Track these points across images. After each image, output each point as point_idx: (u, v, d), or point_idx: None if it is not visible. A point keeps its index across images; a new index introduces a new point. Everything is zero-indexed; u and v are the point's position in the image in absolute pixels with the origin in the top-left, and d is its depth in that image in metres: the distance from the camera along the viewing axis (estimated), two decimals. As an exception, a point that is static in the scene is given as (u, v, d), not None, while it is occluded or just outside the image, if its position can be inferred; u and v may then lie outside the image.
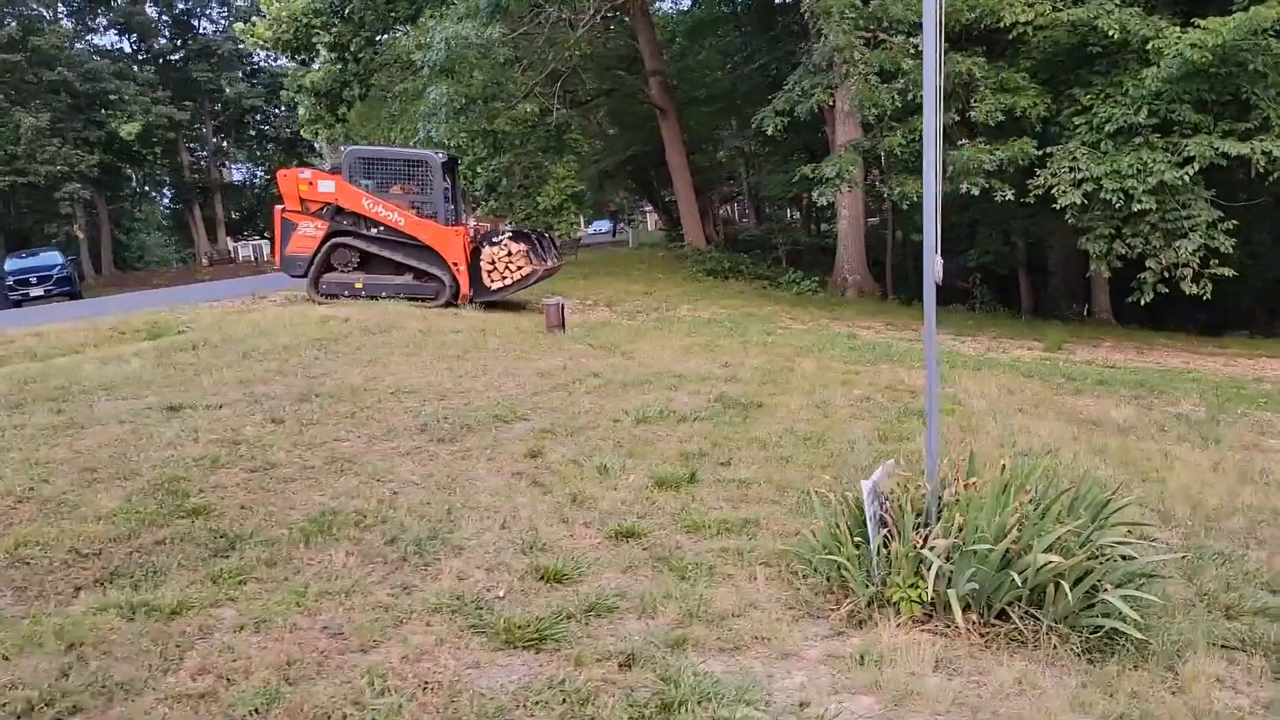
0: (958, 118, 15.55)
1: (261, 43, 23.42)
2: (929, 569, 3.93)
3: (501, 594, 4.15)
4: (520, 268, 14.97)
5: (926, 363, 4.46)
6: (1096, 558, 4.06)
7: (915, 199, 16.87)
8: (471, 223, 16.46)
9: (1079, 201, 14.63)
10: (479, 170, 21.50)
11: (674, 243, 29.71)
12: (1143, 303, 15.17)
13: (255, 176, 60.46)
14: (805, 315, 17.89)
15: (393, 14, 22.27)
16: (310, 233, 15.22)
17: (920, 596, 4.00)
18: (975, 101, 15.16)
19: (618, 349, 11.43)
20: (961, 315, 20.59)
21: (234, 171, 59.96)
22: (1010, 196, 15.32)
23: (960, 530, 4.12)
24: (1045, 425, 8.16)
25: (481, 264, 15.03)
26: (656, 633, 3.81)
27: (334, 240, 15.19)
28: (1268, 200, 16.81)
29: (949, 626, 3.88)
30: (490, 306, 15.16)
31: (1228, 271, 14.77)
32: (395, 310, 14.10)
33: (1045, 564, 3.87)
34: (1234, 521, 5.76)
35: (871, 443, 7.28)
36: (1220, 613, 4.36)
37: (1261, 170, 13.85)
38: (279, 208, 15.53)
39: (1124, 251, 15.26)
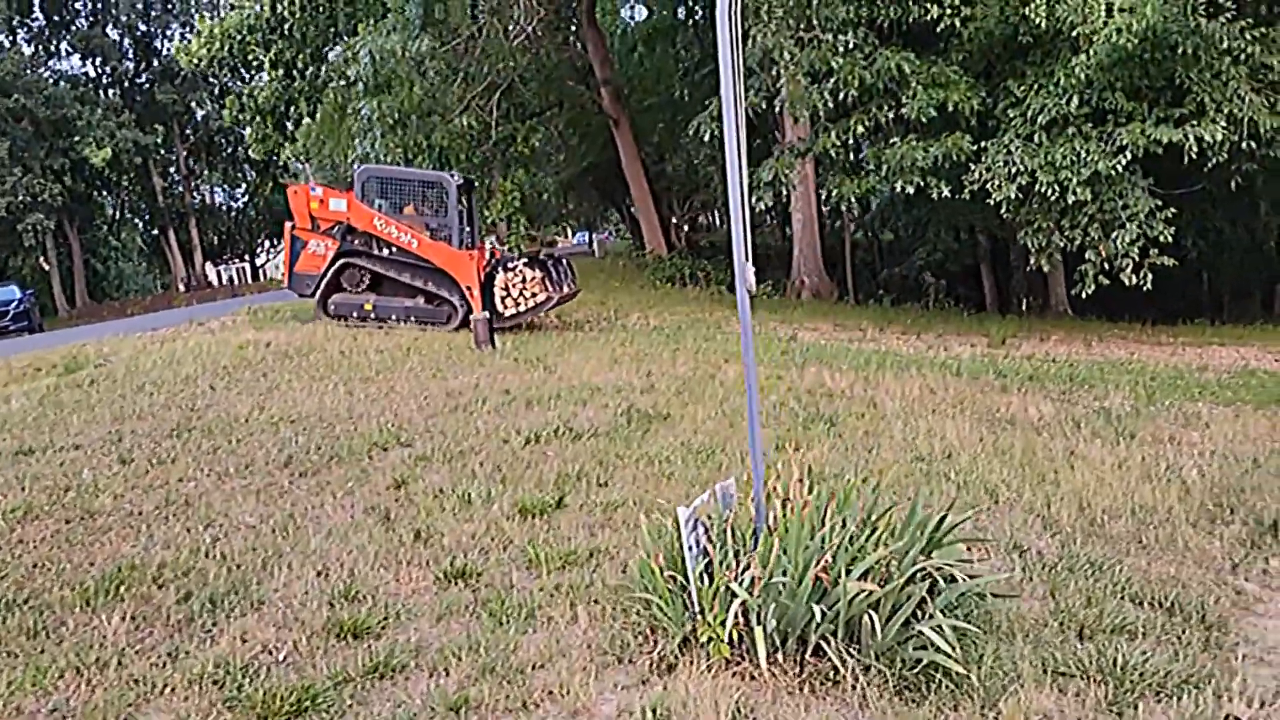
0: (891, 115, 15.25)
1: (195, 61, 22.99)
2: (733, 604, 3.63)
3: (282, 656, 3.83)
4: (535, 294, 14.56)
5: (746, 375, 4.17)
6: (920, 582, 3.76)
7: (853, 200, 16.67)
8: (488, 246, 16.10)
9: (1014, 195, 14.34)
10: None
11: (638, 251, 29.43)
12: (1084, 295, 14.91)
13: (233, 199, 59.82)
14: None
15: (332, 29, 21.93)
16: (320, 251, 14.89)
17: (731, 635, 3.70)
18: (906, 98, 14.86)
19: (542, 363, 11.12)
20: (913, 314, 20.34)
21: (210, 195, 59.19)
22: (947, 193, 15.04)
23: (779, 558, 3.82)
24: (956, 427, 7.88)
25: (495, 289, 14.58)
26: (439, 695, 3.49)
27: (344, 260, 14.86)
28: (1209, 186, 16.54)
29: (758, 668, 3.58)
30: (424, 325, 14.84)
31: (1168, 261, 14.49)
32: (324, 332, 13.82)
33: (857, 593, 3.57)
34: (1120, 524, 5.48)
35: (766, 454, 6.98)
36: (1073, 632, 4.06)
37: (1194, 157, 13.59)
38: (289, 225, 15.19)
39: (1064, 244, 14.99)
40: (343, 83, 19.69)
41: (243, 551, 4.91)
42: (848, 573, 3.67)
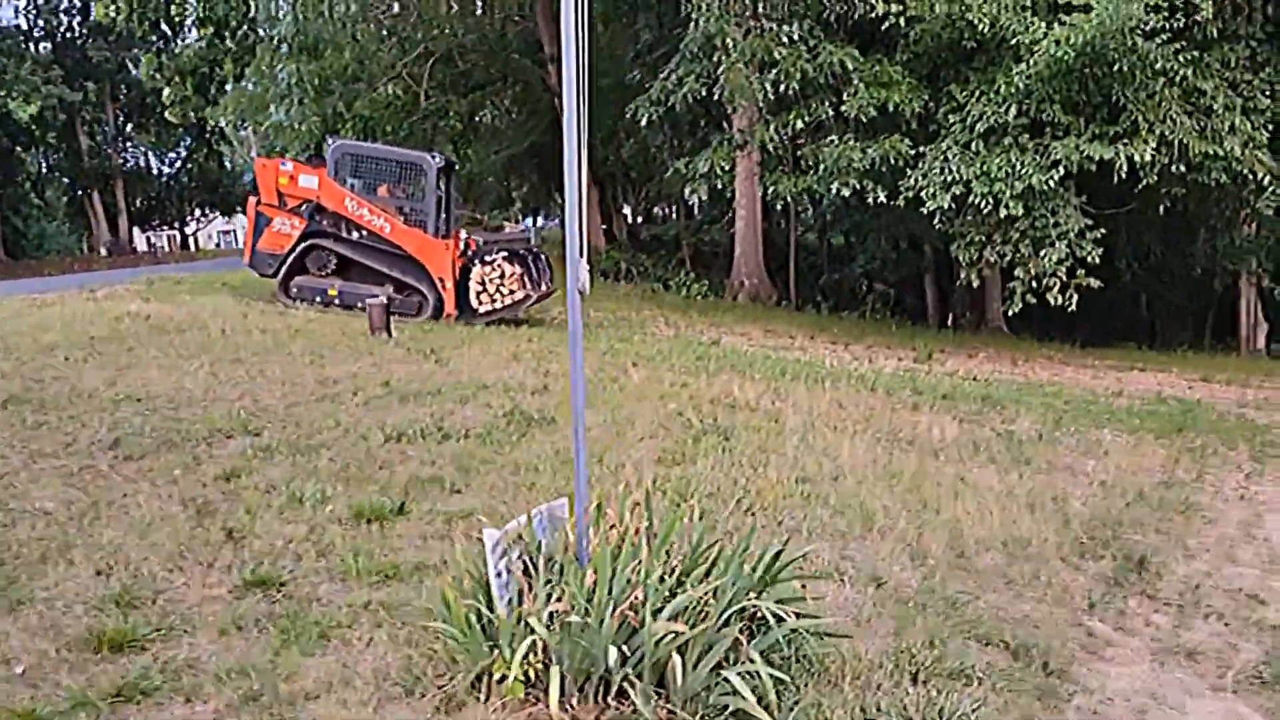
0: (832, 112, 14.96)
1: (111, 15, 21.91)
2: (525, 641, 3.25)
3: (20, 671, 3.37)
4: (512, 291, 13.93)
5: (572, 385, 3.77)
6: (739, 623, 3.41)
7: (788, 198, 16.36)
8: (465, 234, 15.43)
9: (947, 205, 14.14)
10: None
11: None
12: (1010, 313, 14.77)
13: (164, 164, 57.70)
14: (682, 321, 17.26)
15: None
16: (285, 230, 14.12)
17: (528, 673, 3.32)
18: (848, 95, 14.56)
19: (436, 356, 10.63)
20: (848, 323, 20.16)
21: (143, 158, 57.03)
22: (884, 199, 14.80)
23: (593, 591, 3.45)
24: (853, 446, 7.58)
25: (471, 283, 13.93)
26: (183, 727, 3.07)
27: (311, 241, 14.10)
28: (1142, 209, 16.54)
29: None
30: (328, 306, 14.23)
31: (1094, 282, 14.39)
32: (213, 308, 13.24)
33: (664, 634, 3.21)
34: (989, 558, 5.21)
35: (646, 466, 6.63)
36: (908, 675, 3.75)
37: (1123, 176, 13.50)
38: (253, 199, 14.38)
39: (994, 259, 14.85)
40: (270, 44, 18.79)
41: (25, 542, 4.43)
42: (660, 610, 3.32)
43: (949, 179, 14.01)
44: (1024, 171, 13.53)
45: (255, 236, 14.43)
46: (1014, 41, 13.23)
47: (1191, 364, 16.83)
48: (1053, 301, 14.40)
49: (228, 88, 22.77)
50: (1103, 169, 13.77)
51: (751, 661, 3.29)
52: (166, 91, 25.15)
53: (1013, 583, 4.89)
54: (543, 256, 15.75)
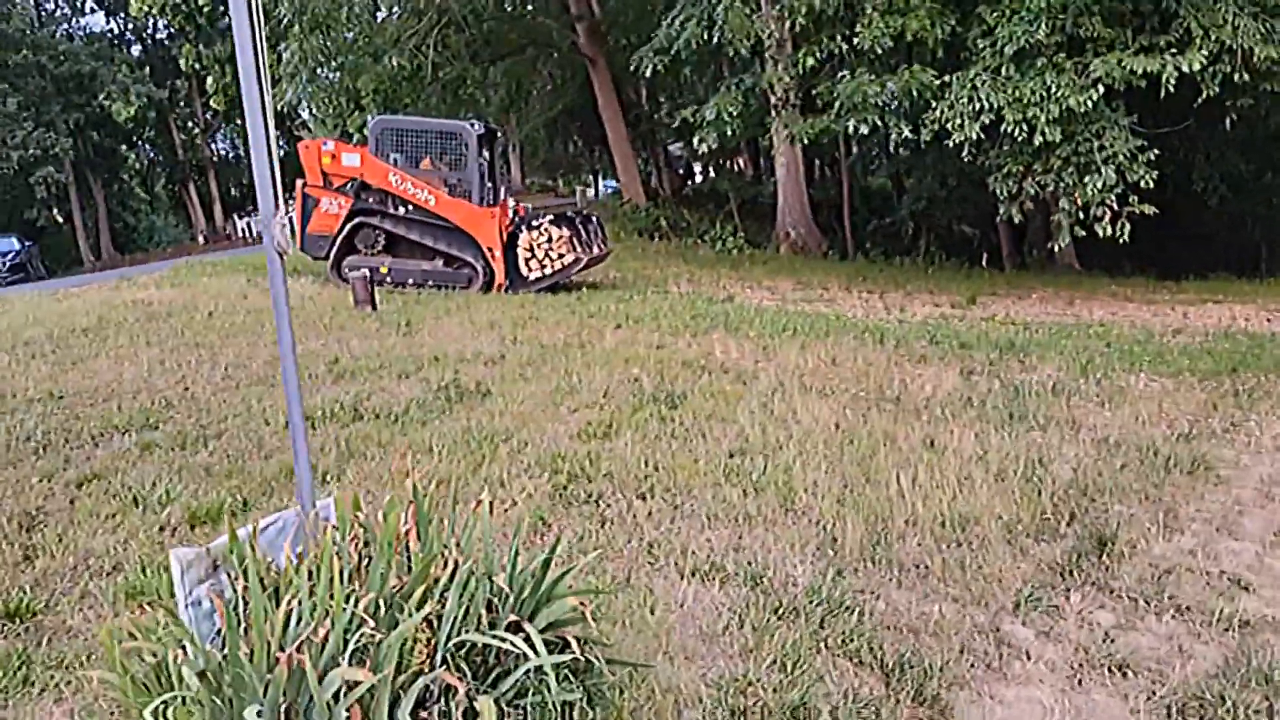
0: (845, 46, 13.72)
1: (148, 9, 21.90)
2: (162, 695, 2.58)
3: None
4: (561, 255, 13.37)
5: (285, 377, 3.06)
6: (453, 662, 2.68)
7: (809, 139, 15.18)
8: (512, 203, 15.07)
9: (975, 136, 12.81)
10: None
11: (617, 200, 28.02)
12: (1053, 249, 13.40)
13: (247, 152, 58.76)
14: (707, 277, 16.36)
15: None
16: (333, 210, 13.84)
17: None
18: (862, 26, 13.30)
19: (411, 327, 10.10)
20: (894, 270, 18.90)
21: (231, 149, 58.33)
22: (908, 134, 13.54)
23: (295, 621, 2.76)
24: (825, 408, 6.74)
25: (519, 250, 13.46)
26: None
27: (358, 219, 13.80)
28: (1222, 126, 14.78)
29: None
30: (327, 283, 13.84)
31: (1148, 209, 12.88)
32: (218, 290, 12.99)
33: (339, 684, 2.50)
34: (912, 543, 4.35)
35: (559, 442, 5.92)
36: (727, 713, 2.97)
37: (1171, 90, 11.95)
38: (300, 182, 14.11)
39: (1034, 191, 13.46)
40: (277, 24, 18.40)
41: None
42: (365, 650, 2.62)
43: (977, 108, 12.66)
44: (1060, 94, 12.10)
45: (305, 220, 14.07)
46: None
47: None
48: (1102, 233, 12.95)
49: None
50: (1154, 85, 12.24)
51: (474, 715, 2.56)
52: (209, 80, 25.21)
53: (928, 576, 4.02)
54: (594, 218, 15.15)
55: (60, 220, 45.85)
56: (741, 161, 39.89)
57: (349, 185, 13.86)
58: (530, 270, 13.54)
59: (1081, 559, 4.14)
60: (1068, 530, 4.52)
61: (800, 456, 5.58)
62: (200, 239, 48.31)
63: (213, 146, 56.01)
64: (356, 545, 3.05)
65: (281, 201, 2.93)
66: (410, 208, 13.59)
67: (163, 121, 48.51)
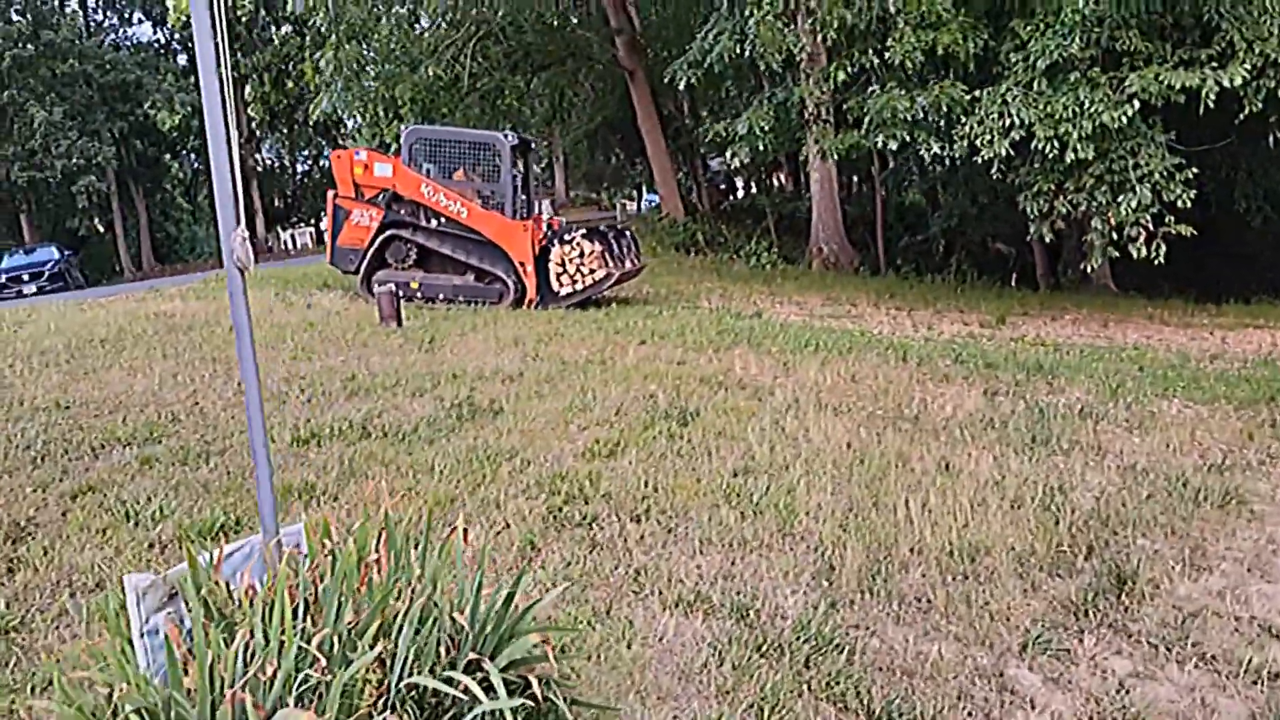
0: (876, 60, 13.50)
1: (185, 17, 22.17)
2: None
3: None
4: (593, 270, 13.12)
5: (247, 395, 2.96)
6: (405, 704, 2.54)
7: (840, 155, 14.97)
8: (546, 215, 14.89)
9: (1004, 153, 12.51)
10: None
11: (655, 214, 27.94)
12: (1088, 269, 13.06)
13: (298, 162, 59.31)
14: (739, 292, 16.17)
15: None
16: (364, 222, 13.62)
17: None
18: (893, 40, 13.08)
19: (434, 344, 10.02)
20: (926, 287, 18.57)
21: (278, 159, 58.80)
22: (937, 150, 13.28)
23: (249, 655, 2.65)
24: (839, 426, 6.56)
25: (550, 265, 13.23)
26: None
27: (389, 231, 13.59)
28: (1266, 143, 14.35)
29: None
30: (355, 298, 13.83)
31: (1185, 230, 12.50)
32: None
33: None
34: (917, 575, 4.15)
35: (562, 461, 5.79)
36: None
37: (1210, 105, 11.58)
38: (331, 193, 13.93)
39: (1066, 210, 13.12)
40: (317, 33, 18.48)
41: None
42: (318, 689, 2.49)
43: (1007, 123, 12.37)
44: (1093, 109, 11.78)
45: (335, 232, 13.93)
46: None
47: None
48: (1136, 254, 12.58)
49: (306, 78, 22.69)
50: (1193, 100, 11.89)
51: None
52: (248, 89, 25.50)
53: (930, 611, 3.82)
54: (627, 233, 14.95)
55: (102, 230, 46.64)
56: (782, 176, 39.67)
57: (380, 196, 13.69)
58: (561, 285, 13.32)
59: (1098, 598, 3.92)
60: (1085, 565, 4.30)
61: (806, 477, 5.41)
62: (239, 250, 48.83)
63: (257, 156, 56.81)
64: (318, 575, 2.93)
65: (243, 216, 2.82)
66: (442, 220, 13.40)
67: (202, 129, 49.18)
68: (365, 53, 17.10)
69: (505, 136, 13.68)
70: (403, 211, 13.59)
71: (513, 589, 2.86)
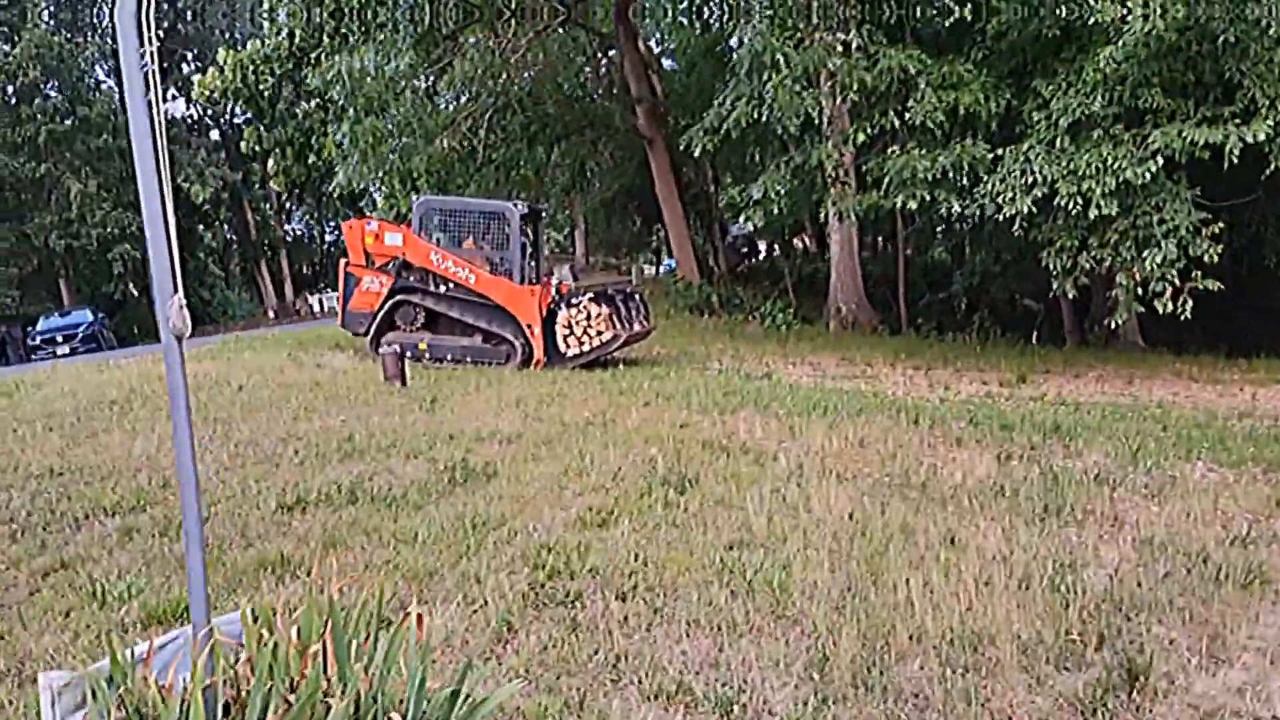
0: (897, 121, 13.44)
1: (209, 93, 22.74)
2: None
3: None
4: (600, 333, 13.36)
5: (180, 470, 2.80)
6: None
7: (858, 216, 14.87)
8: (555, 280, 15.28)
9: (1026, 210, 12.36)
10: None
11: (670, 277, 27.96)
12: (1114, 326, 12.77)
13: (324, 231, 60.48)
14: (751, 353, 16.00)
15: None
16: (374, 288, 14.11)
17: None
18: (914, 101, 13.04)
19: (436, 404, 9.92)
20: (945, 347, 18.28)
21: (302, 229, 60.06)
22: (958, 208, 13.15)
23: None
24: (839, 496, 6.30)
25: (557, 327, 13.49)
26: None
27: (399, 297, 14.00)
28: (1263, 196, 14.12)
29: None
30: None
31: (1212, 285, 12.23)
32: (256, 364, 13.02)
33: None
34: (914, 666, 3.88)
35: (552, 531, 5.58)
36: None
37: (1234, 160, 11.37)
38: (344, 261, 14.45)
39: (1090, 266, 12.89)
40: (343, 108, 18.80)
41: None
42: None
43: (1029, 180, 12.24)
44: (1116, 165, 11.64)
45: (346, 297, 14.37)
46: (1099, 21, 11.43)
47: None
48: (1162, 309, 12.31)
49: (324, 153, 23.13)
50: (1217, 156, 11.72)
51: None
52: (270, 163, 25.96)
53: (930, 708, 3.56)
54: (637, 295, 15.11)
55: (136, 294, 47.41)
56: (807, 239, 39.76)
57: (391, 264, 14.01)
58: (568, 347, 13.46)
59: (1108, 695, 3.63)
60: (1095, 656, 4.00)
61: (804, 550, 5.17)
62: (270, 314, 49.67)
63: (287, 227, 58.00)
64: (250, 669, 2.74)
65: (180, 282, 2.69)
66: (451, 285, 13.69)
67: (237, 202, 50.33)
68: (382, 126, 17.31)
69: (515, 206, 14.00)
70: (412, 278, 13.91)
71: (457, 686, 2.65)
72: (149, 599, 4.57)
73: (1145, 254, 11.98)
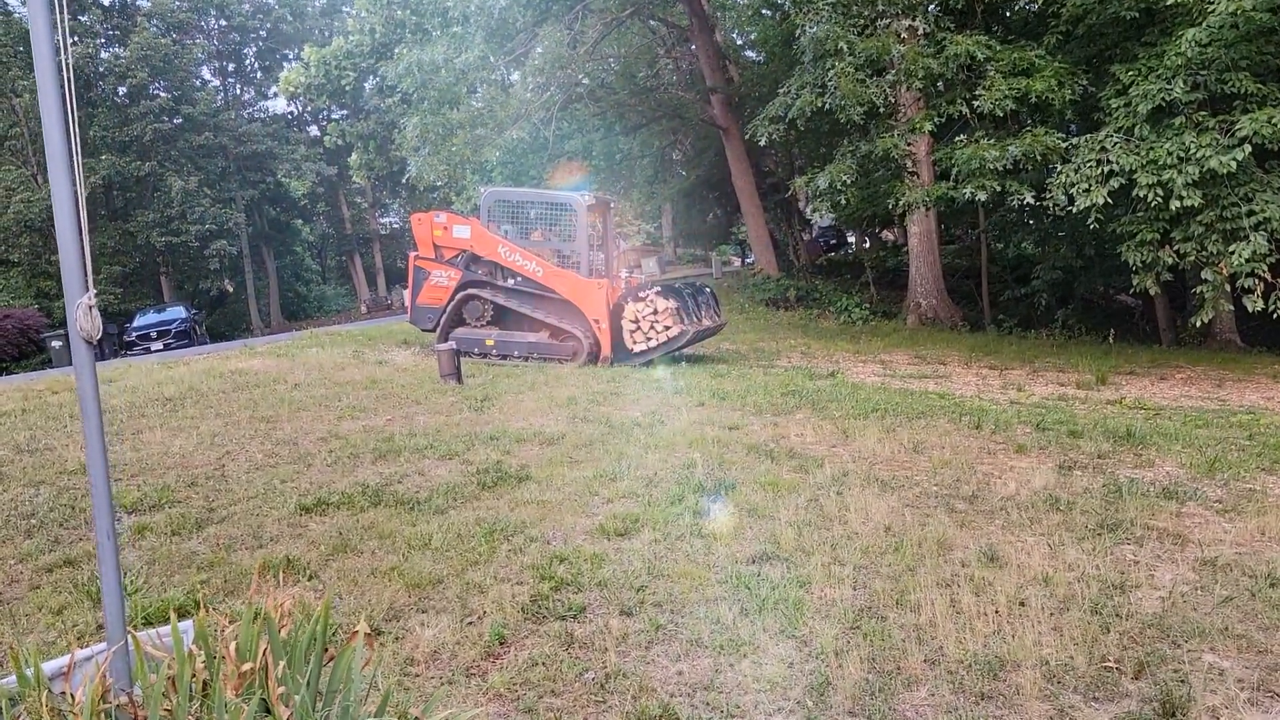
0: (965, 109, 12.83)
1: (292, 89, 23.17)
2: None
3: None
4: (667, 328, 12.98)
5: (93, 481, 2.68)
6: None
7: (926, 207, 14.30)
8: (625, 273, 14.94)
9: (1102, 202, 11.64)
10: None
11: (754, 271, 27.54)
12: (1198, 324, 11.97)
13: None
14: (821, 349, 15.56)
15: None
16: (443, 282, 13.97)
17: None
18: (983, 89, 12.44)
19: (487, 403, 9.82)
20: (1027, 344, 17.51)
21: (396, 222, 61.26)
22: (1030, 200, 12.50)
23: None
24: (879, 506, 5.97)
25: (623, 322, 13.18)
26: None
27: (467, 291, 13.85)
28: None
29: None
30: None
31: (1310, 280, 11.39)
32: (318, 361, 13.14)
33: None
34: (923, 693, 3.57)
35: (570, 539, 5.40)
36: None
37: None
38: (412, 254, 14.34)
39: (1172, 260, 12.10)
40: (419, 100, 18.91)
41: None
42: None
43: (1106, 171, 11.53)
44: (1200, 154, 10.88)
45: (415, 292, 14.19)
46: (1181, 2, 10.71)
47: None
48: (1251, 306, 11.48)
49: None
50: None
51: None
52: (353, 157, 26.37)
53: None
54: (706, 290, 14.69)
55: (231, 290, 48.96)
56: (894, 231, 38.84)
57: (459, 257, 13.87)
58: (635, 343, 13.10)
59: (1141, 732, 3.27)
60: (1131, 686, 3.63)
61: (829, 565, 4.87)
62: (364, 308, 50.73)
63: (380, 220, 59.20)
64: (173, 685, 2.60)
65: (90, 284, 2.56)
66: (519, 279, 13.47)
67: (333, 196, 51.52)
68: (453, 118, 17.35)
69: (582, 197, 13.64)
70: (480, 271, 13.72)
71: (419, 714, 2.46)
72: (143, 600, 4.52)
73: (1232, 248, 11.17)
